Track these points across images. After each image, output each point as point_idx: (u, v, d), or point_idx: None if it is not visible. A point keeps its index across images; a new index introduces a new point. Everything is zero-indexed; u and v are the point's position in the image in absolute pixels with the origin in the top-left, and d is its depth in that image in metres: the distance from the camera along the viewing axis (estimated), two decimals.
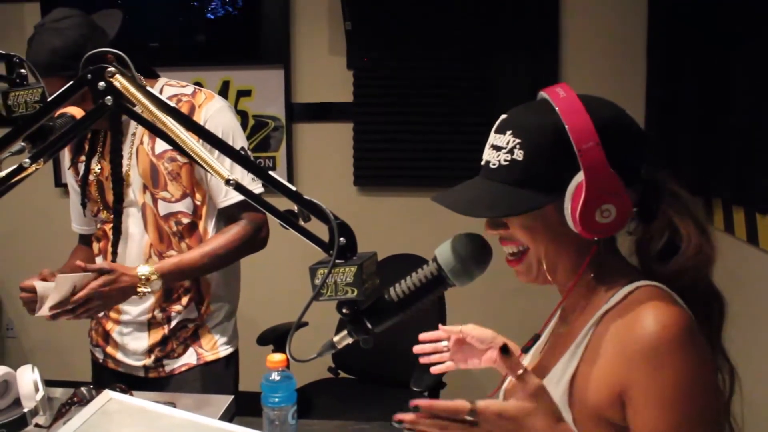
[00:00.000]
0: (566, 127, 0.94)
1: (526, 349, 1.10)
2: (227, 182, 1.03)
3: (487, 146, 1.03)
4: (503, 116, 1.03)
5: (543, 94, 1.00)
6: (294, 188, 1.03)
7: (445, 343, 1.35)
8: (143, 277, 1.73)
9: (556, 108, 0.95)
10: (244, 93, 3.46)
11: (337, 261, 0.99)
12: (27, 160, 1.05)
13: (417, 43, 3.31)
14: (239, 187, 1.03)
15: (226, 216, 1.90)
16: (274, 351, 2.13)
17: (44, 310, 1.63)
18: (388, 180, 3.44)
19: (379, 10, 3.27)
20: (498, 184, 1.00)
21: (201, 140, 1.10)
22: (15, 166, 1.07)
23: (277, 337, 2.68)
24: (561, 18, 3.25)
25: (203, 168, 1.06)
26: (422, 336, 1.37)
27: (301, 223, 1.04)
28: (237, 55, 3.39)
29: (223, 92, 3.42)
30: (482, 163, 1.04)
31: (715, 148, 2.61)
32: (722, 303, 0.99)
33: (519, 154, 0.98)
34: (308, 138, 3.50)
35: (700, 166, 2.68)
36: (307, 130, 3.49)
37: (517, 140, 0.99)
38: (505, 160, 0.99)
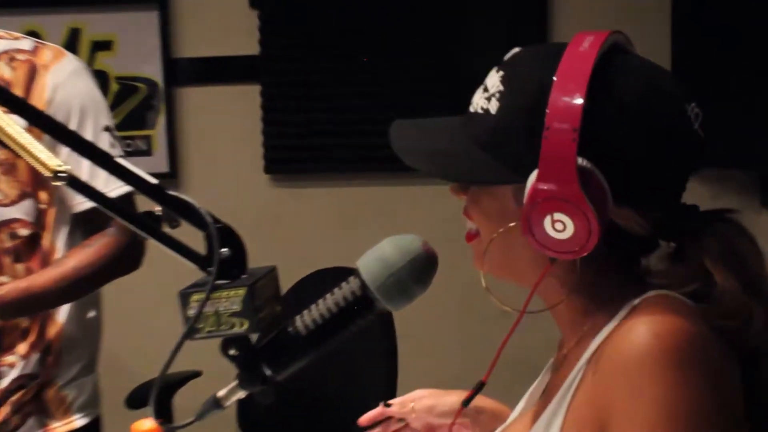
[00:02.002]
0: (549, 95, 0.95)
1: (465, 402, 1.15)
2: (56, 176, 1.00)
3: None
4: (516, 49, 1.07)
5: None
6: (154, 181, 1.01)
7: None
8: None
9: (560, 63, 0.97)
10: (102, 45, 3.43)
11: (219, 282, 0.99)
12: None
13: None
14: (75, 183, 1.01)
15: (86, 225, 1.90)
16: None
17: None
18: (312, 165, 3.43)
19: None
20: (462, 132, 1.04)
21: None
22: None
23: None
24: None
25: (18, 155, 1.03)
26: (362, 419, 1.43)
27: (167, 230, 1.02)
28: None
29: (71, 46, 3.36)
30: None
31: (752, 119, 2.82)
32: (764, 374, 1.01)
33: (494, 107, 1.01)
34: (197, 108, 3.47)
35: (732, 139, 2.82)
36: (196, 97, 3.47)
37: (501, 87, 1.01)
38: (482, 108, 1.03)
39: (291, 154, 3.46)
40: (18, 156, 1.82)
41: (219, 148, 3.50)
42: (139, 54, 3.42)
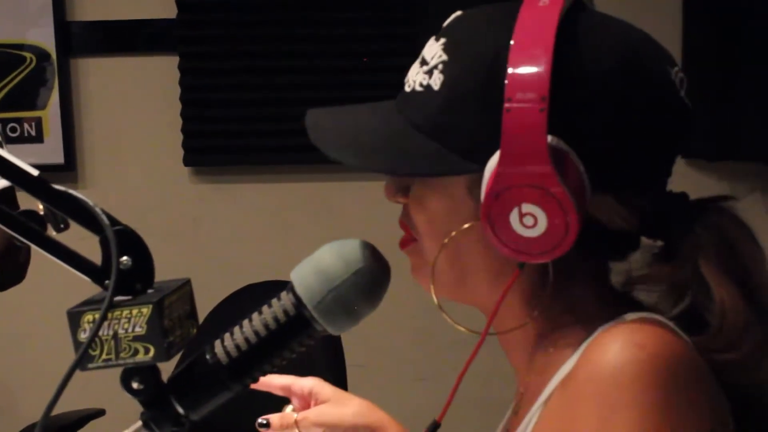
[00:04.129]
0: (508, 60, 0.96)
1: None
2: None
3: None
4: (458, 12, 1.08)
5: None
6: (35, 172, 1.00)
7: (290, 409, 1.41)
8: None
9: (515, 24, 0.98)
10: None
11: (118, 298, 0.98)
12: None
13: None
14: None
15: None
16: None
17: None
18: (242, 156, 3.46)
19: None
20: (398, 116, 1.05)
21: None
22: None
23: None
24: None
25: None
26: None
27: (52, 233, 1.01)
28: None
29: None
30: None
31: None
32: None
33: (437, 81, 1.02)
34: (99, 84, 3.46)
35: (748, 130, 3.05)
36: (97, 71, 3.46)
37: (444, 56, 1.03)
38: (421, 85, 1.04)
39: (216, 142, 3.46)
40: None
41: (127, 133, 3.48)
42: (23, 16, 3.40)
